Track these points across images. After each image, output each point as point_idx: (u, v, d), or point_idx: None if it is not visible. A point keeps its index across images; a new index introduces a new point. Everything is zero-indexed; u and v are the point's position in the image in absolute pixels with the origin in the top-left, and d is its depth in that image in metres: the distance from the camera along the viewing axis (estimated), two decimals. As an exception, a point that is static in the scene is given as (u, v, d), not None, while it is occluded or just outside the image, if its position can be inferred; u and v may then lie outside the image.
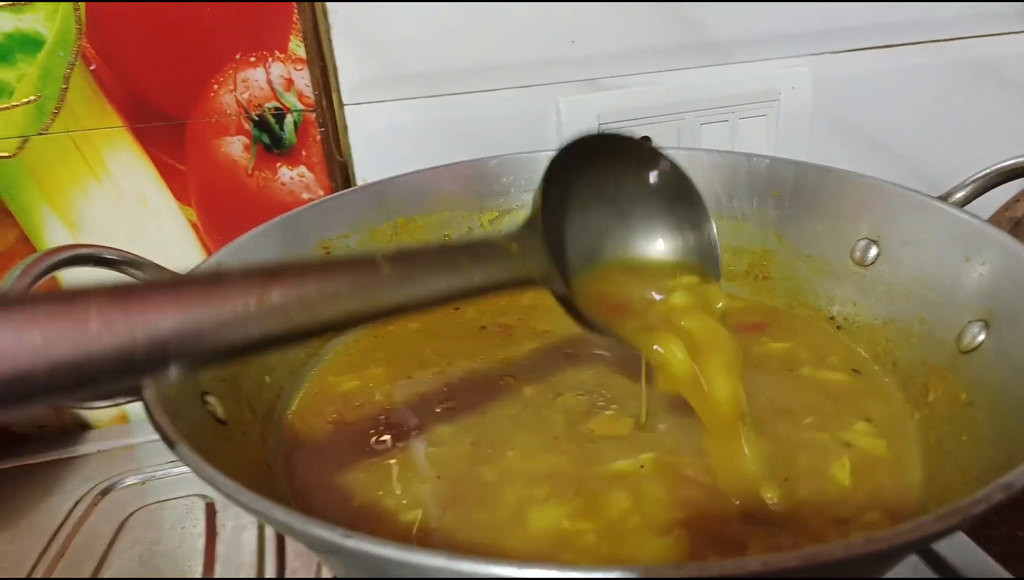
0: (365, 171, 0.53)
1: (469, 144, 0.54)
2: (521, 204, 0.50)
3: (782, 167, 0.45)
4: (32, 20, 0.46)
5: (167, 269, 0.39)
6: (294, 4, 0.49)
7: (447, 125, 0.54)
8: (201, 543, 0.43)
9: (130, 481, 0.48)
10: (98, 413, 0.54)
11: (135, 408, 0.34)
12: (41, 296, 0.20)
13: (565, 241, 0.33)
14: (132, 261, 0.37)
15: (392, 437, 0.36)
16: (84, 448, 0.52)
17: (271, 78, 0.50)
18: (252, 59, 0.50)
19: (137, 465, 0.50)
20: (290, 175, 0.53)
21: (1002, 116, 0.63)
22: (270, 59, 0.50)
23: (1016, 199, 0.61)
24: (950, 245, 0.36)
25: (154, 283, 0.23)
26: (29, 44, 0.46)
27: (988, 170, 0.38)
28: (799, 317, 0.44)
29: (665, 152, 0.35)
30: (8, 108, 0.47)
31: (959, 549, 0.38)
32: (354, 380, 0.41)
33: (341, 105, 0.52)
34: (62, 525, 0.45)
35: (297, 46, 0.50)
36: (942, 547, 0.38)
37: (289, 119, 0.51)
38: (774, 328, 0.43)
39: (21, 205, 0.49)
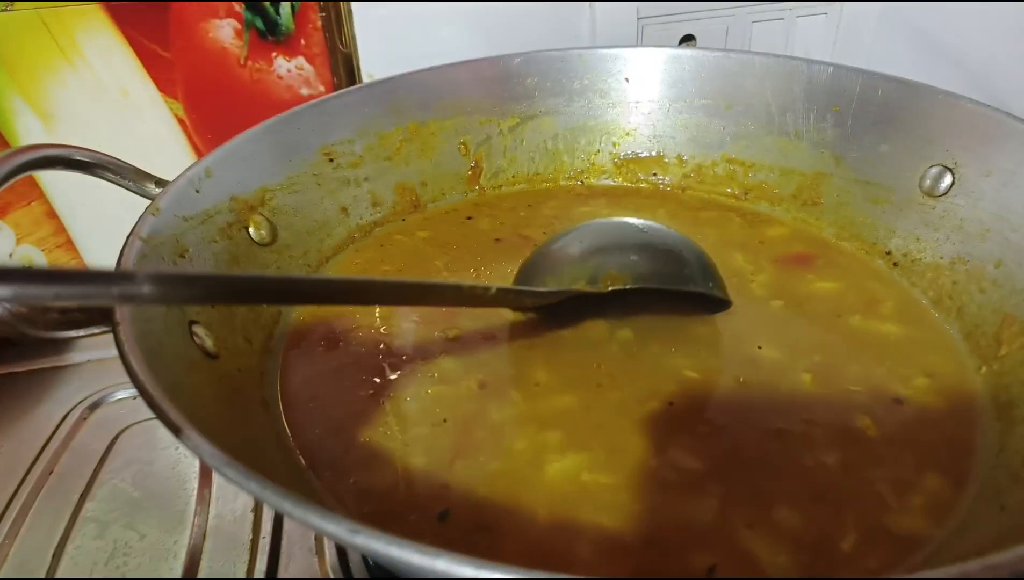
0: (372, 66, 0.50)
1: (491, 38, 0.50)
2: (546, 109, 0.45)
3: (847, 77, 0.40)
4: None
5: (148, 173, 0.35)
6: None
7: (466, 15, 0.50)
8: (197, 464, 0.40)
9: (121, 395, 0.46)
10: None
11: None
12: None
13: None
14: (108, 164, 0.34)
15: (390, 366, 0.33)
16: (73, 357, 0.50)
17: (265, -51, 0.45)
18: (243, -73, 0.44)
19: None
20: (287, 67, 0.48)
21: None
22: (263, -73, 0.45)
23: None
24: (1043, 179, 0.32)
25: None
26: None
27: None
28: (850, 252, 0.40)
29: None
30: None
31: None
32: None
33: (345, -14, 0.48)
34: (49, 441, 0.42)
35: (294, -89, 0.45)
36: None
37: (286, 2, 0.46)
38: (821, 263, 0.39)
39: (-12, 92, 0.45)
